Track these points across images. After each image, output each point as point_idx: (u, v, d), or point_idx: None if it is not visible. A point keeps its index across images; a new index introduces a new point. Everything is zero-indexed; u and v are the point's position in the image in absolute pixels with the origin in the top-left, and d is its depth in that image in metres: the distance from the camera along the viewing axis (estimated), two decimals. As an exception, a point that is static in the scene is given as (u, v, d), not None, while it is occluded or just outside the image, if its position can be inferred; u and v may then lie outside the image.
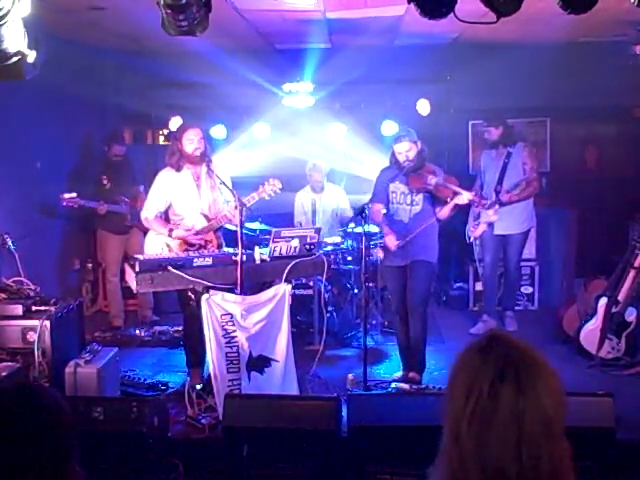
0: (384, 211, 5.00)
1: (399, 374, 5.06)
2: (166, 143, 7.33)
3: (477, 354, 1.41)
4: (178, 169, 4.80)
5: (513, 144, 6.10)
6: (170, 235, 4.71)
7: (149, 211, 4.81)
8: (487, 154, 6.28)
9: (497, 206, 5.84)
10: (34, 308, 4.15)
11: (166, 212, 4.94)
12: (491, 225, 6.01)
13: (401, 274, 4.94)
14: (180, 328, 5.38)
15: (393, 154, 4.95)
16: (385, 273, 5.29)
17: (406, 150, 4.83)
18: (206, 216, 4.82)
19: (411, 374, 4.95)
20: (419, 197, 4.89)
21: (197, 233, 4.77)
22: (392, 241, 4.84)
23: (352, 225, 5.95)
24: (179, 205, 4.85)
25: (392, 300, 5.12)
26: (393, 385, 4.82)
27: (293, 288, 4.91)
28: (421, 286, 4.86)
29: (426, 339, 4.96)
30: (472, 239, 6.25)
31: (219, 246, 4.84)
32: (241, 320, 4.23)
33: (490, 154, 6.23)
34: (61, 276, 6.50)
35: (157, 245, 4.75)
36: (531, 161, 6.08)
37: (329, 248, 5.87)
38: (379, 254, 5.67)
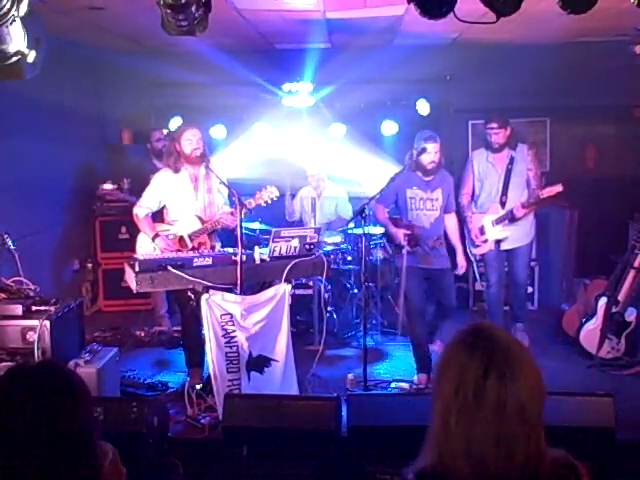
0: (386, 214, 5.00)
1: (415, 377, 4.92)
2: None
3: (463, 350, 1.45)
4: (176, 170, 4.79)
5: (515, 146, 5.37)
6: (153, 240, 4.72)
7: (141, 209, 4.84)
8: (481, 155, 5.45)
9: (507, 221, 5.30)
10: (34, 308, 4.13)
11: (161, 212, 4.95)
12: (499, 242, 5.40)
13: (423, 276, 4.90)
14: (180, 328, 5.38)
15: (413, 156, 4.75)
16: (408, 272, 4.90)
17: (436, 151, 4.75)
18: (200, 218, 4.82)
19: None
20: (437, 203, 4.88)
21: (190, 236, 4.77)
22: (402, 235, 4.79)
23: (352, 225, 5.95)
24: (174, 207, 4.86)
25: (413, 300, 4.87)
26: (393, 385, 4.83)
27: (293, 288, 4.90)
28: (454, 291, 5.11)
29: None
30: (477, 257, 5.58)
31: (212, 248, 4.81)
32: (241, 320, 4.23)
33: (486, 157, 5.40)
34: (60, 276, 6.50)
35: (150, 243, 4.76)
36: (535, 167, 5.38)
37: (329, 248, 5.87)
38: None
